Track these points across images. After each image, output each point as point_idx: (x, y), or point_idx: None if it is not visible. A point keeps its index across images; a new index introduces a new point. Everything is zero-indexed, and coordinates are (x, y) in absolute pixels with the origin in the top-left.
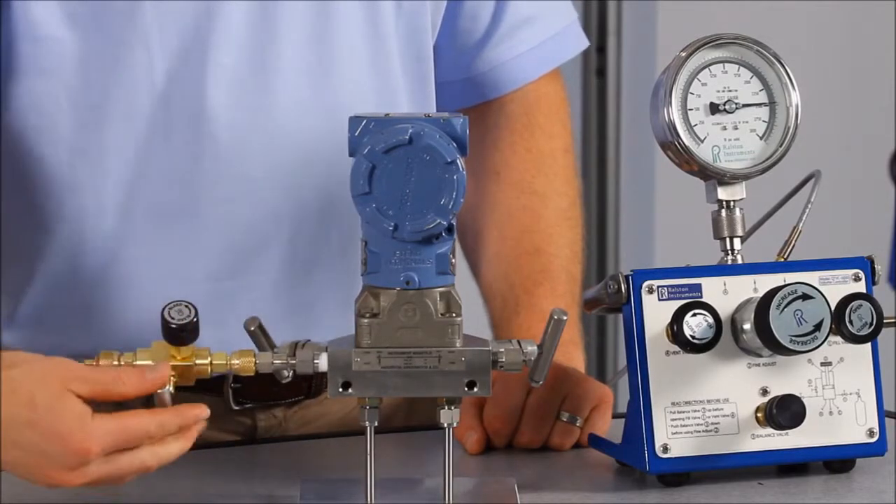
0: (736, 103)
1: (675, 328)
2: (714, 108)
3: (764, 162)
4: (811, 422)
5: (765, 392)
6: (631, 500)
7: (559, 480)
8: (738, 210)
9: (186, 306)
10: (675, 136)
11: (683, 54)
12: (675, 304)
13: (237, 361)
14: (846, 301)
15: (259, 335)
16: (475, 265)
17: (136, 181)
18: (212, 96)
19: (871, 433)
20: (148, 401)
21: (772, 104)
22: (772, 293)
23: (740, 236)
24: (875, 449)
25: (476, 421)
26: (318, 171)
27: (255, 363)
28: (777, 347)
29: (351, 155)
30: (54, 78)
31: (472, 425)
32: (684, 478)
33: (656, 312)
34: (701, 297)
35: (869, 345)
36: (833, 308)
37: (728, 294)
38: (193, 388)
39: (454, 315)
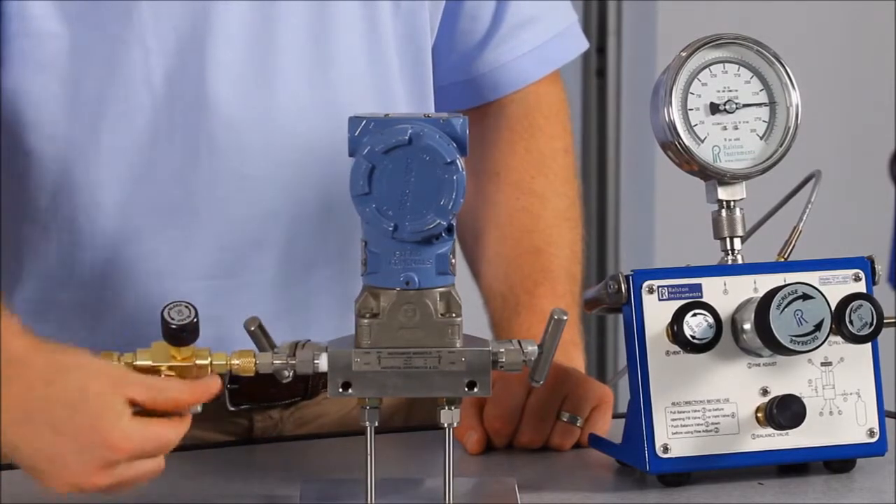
0: (736, 103)
1: (675, 328)
2: (714, 108)
3: (764, 162)
4: (811, 422)
5: (765, 392)
6: (631, 500)
7: (559, 480)
8: (738, 210)
9: (186, 306)
10: (675, 136)
11: (683, 54)
12: (676, 304)
13: (237, 361)
14: (846, 301)
15: (259, 335)
16: (475, 266)
17: (133, 179)
18: (209, 94)
19: (871, 433)
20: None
21: (772, 104)
22: (772, 293)
23: (740, 236)
24: (875, 449)
25: (476, 421)
26: (317, 169)
27: (255, 363)
28: (777, 347)
29: (351, 155)
30: (49, 73)
31: (472, 425)
32: (684, 478)
33: (656, 312)
34: (701, 297)
35: (869, 345)
36: (833, 308)
37: (728, 294)
38: None
39: (454, 315)
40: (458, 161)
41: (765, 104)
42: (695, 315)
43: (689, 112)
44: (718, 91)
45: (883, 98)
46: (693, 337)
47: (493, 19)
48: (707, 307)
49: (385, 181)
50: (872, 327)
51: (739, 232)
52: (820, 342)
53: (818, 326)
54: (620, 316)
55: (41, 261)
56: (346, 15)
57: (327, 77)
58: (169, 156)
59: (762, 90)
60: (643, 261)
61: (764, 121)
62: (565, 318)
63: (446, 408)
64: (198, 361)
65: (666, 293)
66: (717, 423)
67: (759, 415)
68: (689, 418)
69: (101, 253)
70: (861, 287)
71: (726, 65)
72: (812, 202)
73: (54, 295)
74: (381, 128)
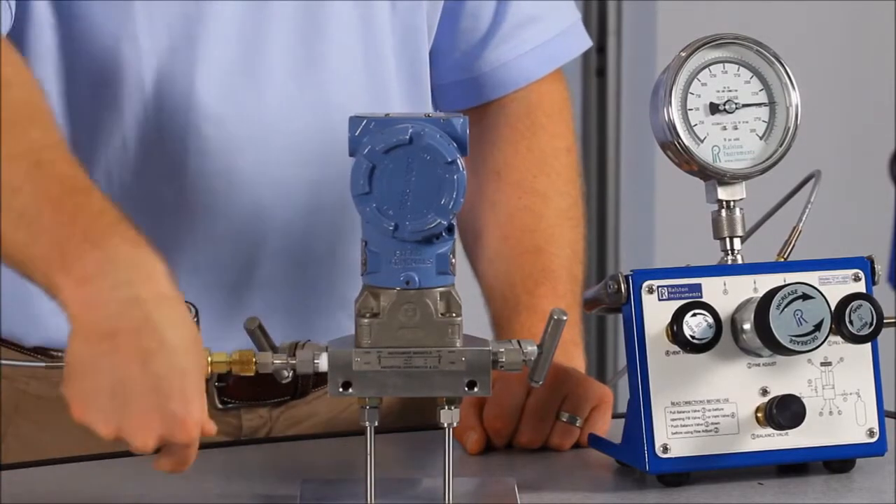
0: (736, 103)
1: (675, 328)
2: (714, 108)
3: (764, 162)
4: (811, 422)
5: (765, 392)
6: (631, 500)
7: (559, 480)
8: (738, 210)
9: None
10: (675, 136)
11: (683, 54)
12: (675, 304)
13: (237, 361)
14: (846, 301)
15: (259, 335)
16: (476, 265)
17: (122, 175)
18: (200, 92)
19: (871, 433)
20: None
21: (772, 104)
22: (772, 293)
23: (740, 236)
24: (875, 449)
25: (476, 421)
26: (308, 168)
27: (255, 363)
28: (777, 347)
29: (351, 155)
30: (41, 65)
31: (471, 425)
32: (684, 478)
33: (656, 312)
34: (701, 297)
35: (869, 345)
36: (833, 308)
37: (728, 294)
38: None
39: (454, 315)
40: (458, 160)
41: (764, 104)
42: (694, 315)
43: (689, 112)
44: (718, 91)
45: (883, 98)
46: (693, 337)
47: (495, 17)
48: (707, 307)
49: (385, 180)
50: (872, 327)
51: (739, 232)
52: (820, 342)
53: (818, 326)
54: (620, 316)
55: None
56: (340, 15)
57: (319, 76)
58: (158, 153)
59: (762, 90)
60: (643, 261)
61: (764, 121)
62: (565, 318)
63: (446, 407)
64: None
65: (666, 293)
66: (716, 423)
67: (759, 415)
68: (688, 418)
69: None
70: (861, 287)
71: (726, 65)
72: (812, 202)
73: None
74: (381, 127)
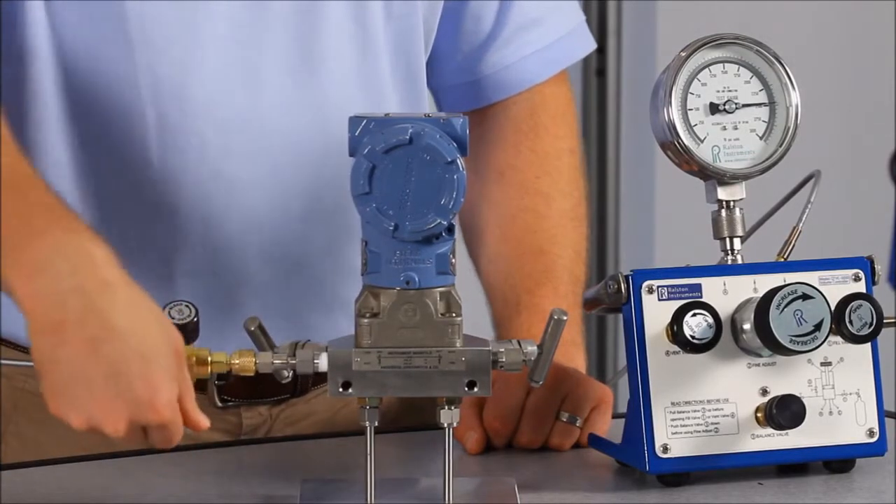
0: (736, 103)
1: (675, 328)
2: (714, 108)
3: (764, 162)
4: (811, 422)
5: (765, 392)
6: (631, 500)
7: (559, 480)
8: (738, 210)
9: (187, 306)
10: (674, 136)
11: (683, 54)
12: (675, 304)
13: (237, 361)
14: (846, 301)
15: (259, 335)
16: (479, 265)
17: (119, 177)
18: (196, 94)
19: (870, 433)
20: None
21: (772, 104)
22: (772, 293)
23: (740, 236)
24: (875, 449)
25: (476, 421)
26: (304, 169)
27: (256, 363)
28: (777, 347)
29: (351, 155)
30: (37, 65)
31: (471, 425)
32: (684, 478)
33: (656, 312)
34: (701, 297)
35: (869, 345)
36: (833, 308)
37: (728, 294)
38: None
39: (454, 315)
40: (458, 160)
41: (764, 104)
42: (694, 315)
43: (689, 112)
44: (718, 91)
45: (883, 98)
46: (693, 337)
47: (497, 20)
48: (707, 307)
49: (385, 181)
50: (872, 327)
51: (739, 232)
52: (819, 342)
53: (818, 326)
54: (620, 316)
55: None
56: (335, 17)
57: (315, 78)
58: (155, 156)
59: (762, 90)
60: (643, 261)
61: (763, 121)
62: (565, 318)
63: (446, 407)
64: (198, 361)
65: (666, 293)
66: (716, 423)
67: (759, 415)
68: (688, 418)
69: None
70: (861, 287)
71: (726, 65)
72: (812, 202)
73: None
74: (381, 127)
